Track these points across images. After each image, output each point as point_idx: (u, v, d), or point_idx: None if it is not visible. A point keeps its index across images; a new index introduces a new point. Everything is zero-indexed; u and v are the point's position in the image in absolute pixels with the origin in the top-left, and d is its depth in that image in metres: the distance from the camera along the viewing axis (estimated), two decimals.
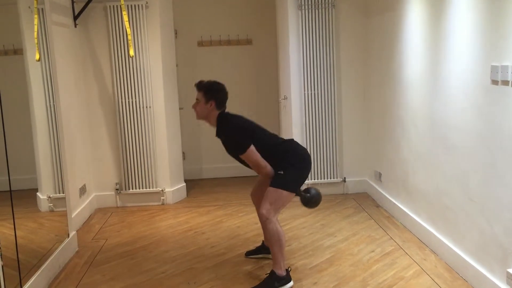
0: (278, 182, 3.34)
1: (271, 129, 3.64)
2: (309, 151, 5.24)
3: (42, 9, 3.82)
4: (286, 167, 3.36)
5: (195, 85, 3.48)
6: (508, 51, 2.73)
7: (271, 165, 3.38)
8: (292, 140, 3.65)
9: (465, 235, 3.35)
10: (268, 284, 3.31)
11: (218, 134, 3.48)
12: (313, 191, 3.49)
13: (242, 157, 3.37)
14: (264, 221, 3.32)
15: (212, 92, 3.42)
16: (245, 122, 3.50)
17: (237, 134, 3.39)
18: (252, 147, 3.32)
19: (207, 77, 6.06)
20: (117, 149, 5.27)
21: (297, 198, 3.50)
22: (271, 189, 3.34)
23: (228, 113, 3.50)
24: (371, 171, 5.33)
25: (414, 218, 4.19)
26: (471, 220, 3.26)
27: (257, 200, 3.66)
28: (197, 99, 3.46)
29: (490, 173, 2.99)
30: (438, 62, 3.62)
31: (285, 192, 3.33)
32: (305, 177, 3.49)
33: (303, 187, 3.50)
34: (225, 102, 3.47)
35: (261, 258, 3.83)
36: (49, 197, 3.90)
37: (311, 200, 3.48)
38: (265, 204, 3.31)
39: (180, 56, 5.86)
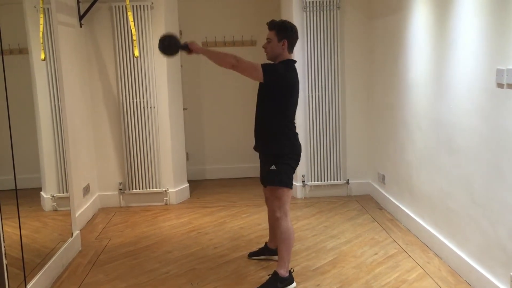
0: (274, 180, 3.35)
1: None
2: (312, 153, 5.33)
3: (48, 8, 3.84)
4: (278, 161, 3.32)
5: (267, 23, 3.39)
6: None
7: (272, 128, 3.33)
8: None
9: (469, 238, 3.34)
10: (271, 285, 3.30)
11: (268, 64, 3.35)
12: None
13: (257, 66, 3.22)
14: (278, 218, 3.34)
15: (285, 31, 3.34)
16: (296, 82, 3.37)
17: (280, 68, 3.28)
18: (261, 69, 3.19)
19: (211, 77, 6.16)
20: (121, 149, 5.28)
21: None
22: (270, 189, 3.40)
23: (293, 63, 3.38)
24: (374, 173, 5.32)
25: (417, 221, 4.18)
26: (474, 223, 3.25)
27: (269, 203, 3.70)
28: (268, 38, 3.37)
29: (494, 176, 2.99)
30: (443, 65, 3.61)
31: (285, 189, 3.35)
32: (295, 169, 3.45)
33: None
34: (295, 44, 3.40)
35: (264, 259, 3.83)
36: (53, 196, 3.90)
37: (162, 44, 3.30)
38: (276, 207, 3.36)
39: (184, 57, 5.85)
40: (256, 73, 3.23)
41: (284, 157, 3.35)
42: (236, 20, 6.18)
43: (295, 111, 3.44)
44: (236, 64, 3.21)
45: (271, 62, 3.39)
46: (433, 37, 3.78)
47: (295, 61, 3.40)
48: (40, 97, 3.82)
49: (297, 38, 3.40)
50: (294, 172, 3.43)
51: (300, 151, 3.46)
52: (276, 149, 3.36)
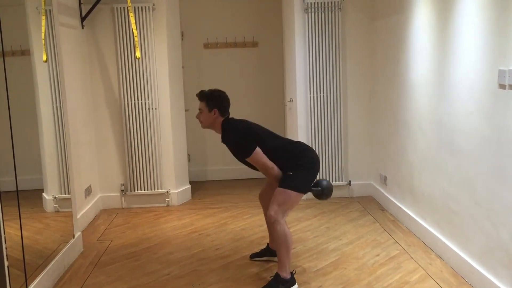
0: (287, 183, 3.34)
1: (276, 132, 3.63)
2: None
3: (50, 10, 3.84)
4: (295, 168, 3.37)
5: (196, 95, 3.52)
6: None
7: (279, 166, 3.39)
8: (300, 142, 3.66)
9: (471, 239, 3.33)
10: (273, 286, 3.30)
11: (224, 140, 3.49)
12: (324, 183, 3.53)
13: (249, 160, 3.38)
14: (272, 223, 3.32)
15: (214, 100, 3.45)
16: (250, 126, 3.51)
17: (242, 138, 3.41)
18: (258, 150, 3.33)
19: (212, 79, 6.16)
20: (122, 150, 5.28)
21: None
22: (279, 190, 3.34)
23: (232, 119, 3.52)
24: (376, 174, 5.32)
25: (419, 222, 4.17)
26: (477, 225, 3.24)
27: (265, 202, 3.66)
28: (200, 109, 3.50)
29: (497, 177, 2.98)
30: (445, 66, 3.61)
31: (294, 193, 3.33)
32: (314, 178, 3.50)
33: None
34: (228, 108, 3.50)
35: (266, 260, 3.83)
36: (55, 197, 3.91)
37: (323, 192, 3.52)
38: (273, 205, 3.31)
39: (186, 58, 5.87)
40: (266, 163, 3.37)
41: (303, 166, 3.41)
42: (238, 21, 6.18)
43: (277, 136, 3.54)
44: (276, 177, 3.40)
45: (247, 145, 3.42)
46: (434, 38, 3.78)
47: (230, 118, 3.50)
48: (42, 98, 3.83)
49: (228, 101, 3.49)
50: (311, 179, 3.46)
51: (316, 158, 3.50)
52: (294, 166, 3.41)
